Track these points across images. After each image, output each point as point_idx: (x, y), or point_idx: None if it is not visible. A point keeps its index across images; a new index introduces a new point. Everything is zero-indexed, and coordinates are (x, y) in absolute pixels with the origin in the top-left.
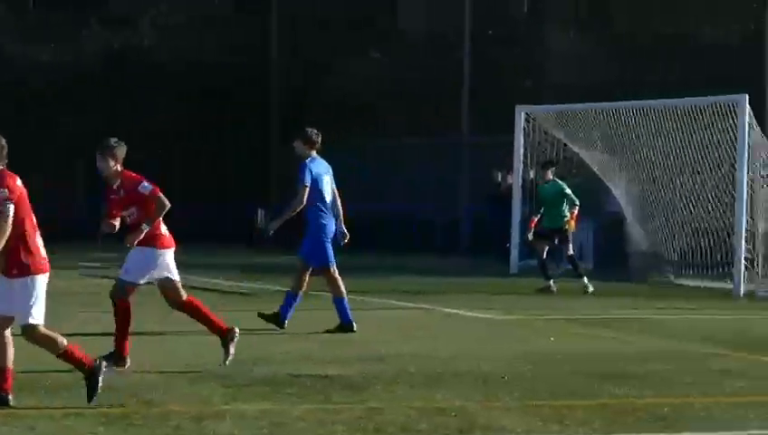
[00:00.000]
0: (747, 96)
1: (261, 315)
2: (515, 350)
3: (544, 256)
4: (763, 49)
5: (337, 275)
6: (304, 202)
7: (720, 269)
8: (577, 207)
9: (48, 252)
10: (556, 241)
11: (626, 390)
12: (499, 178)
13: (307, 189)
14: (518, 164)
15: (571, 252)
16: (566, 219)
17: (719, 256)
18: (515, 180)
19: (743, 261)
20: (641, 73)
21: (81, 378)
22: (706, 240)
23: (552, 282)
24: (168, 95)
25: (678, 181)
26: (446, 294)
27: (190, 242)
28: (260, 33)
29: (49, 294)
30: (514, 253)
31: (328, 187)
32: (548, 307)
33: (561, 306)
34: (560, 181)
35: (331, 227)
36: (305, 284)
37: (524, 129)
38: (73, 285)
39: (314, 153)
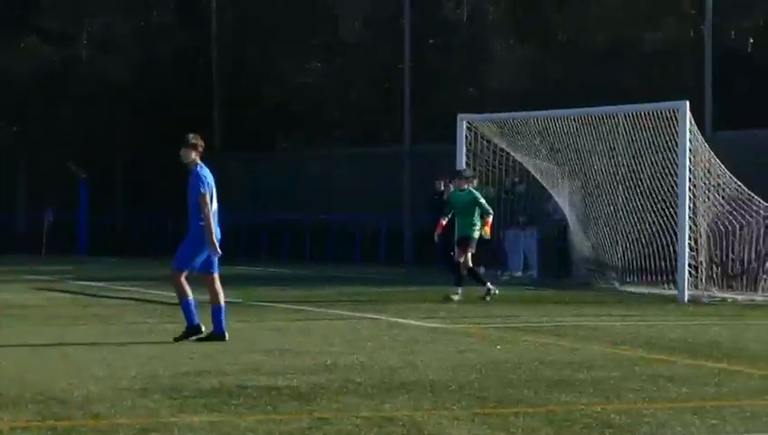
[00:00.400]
0: (688, 103)
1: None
2: (462, 358)
3: (463, 263)
4: (703, 56)
5: (218, 283)
6: (212, 206)
7: (664, 276)
8: (490, 216)
9: None
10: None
11: (573, 397)
12: (441, 187)
13: (207, 195)
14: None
15: (461, 260)
16: (476, 228)
17: (663, 263)
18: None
19: (686, 267)
20: (583, 80)
21: (28, 392)
22: (650, 247)
23: (490, 285)
24: (110, 106)
25: (621, 188)
26: (392, 303)
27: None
28: (202, 43)
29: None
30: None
31: (214, 194)
32: (493, 315)
33: (506, 314)
34: (474, 190)
35: (218, 234)
36: (189, 289)
37: (466, 137)
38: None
39: (199, 160)
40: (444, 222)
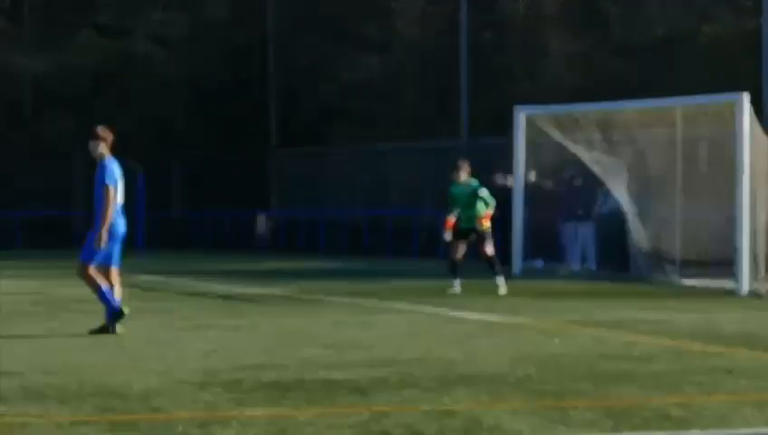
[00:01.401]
0: (747, 94)
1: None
2: (520, 352)
3: (458, 257)
4: (761, 48)
5: (118, 278)
6: (116, 200)
7: (723, 268)
8: (491, 208)
9: None
10: (473, 241)
11: (632, 390)
12: (498, 181)
13: (112, 188)
14: (518, 166)
15: (490, 252)
16: (478, 219)
17: (722, 256)
18: (516, 182)
19: (746, 259)
20: (640, 73)
21: (87, 386)
22: (709, 239)
23: (457, 282)
24: (167, 101)
25: (679, 180)
26: (449, 297)
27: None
28: (257, 39)
29: None
30: (515, 254)
31: (121, 188)
32: (551, 309)
33: (564, 308)
34: (474, 181)
35: (122, 228)
36: (102, 277)
37: (524, 130)
38: None
39: (109, 153)
40: (452, 219)
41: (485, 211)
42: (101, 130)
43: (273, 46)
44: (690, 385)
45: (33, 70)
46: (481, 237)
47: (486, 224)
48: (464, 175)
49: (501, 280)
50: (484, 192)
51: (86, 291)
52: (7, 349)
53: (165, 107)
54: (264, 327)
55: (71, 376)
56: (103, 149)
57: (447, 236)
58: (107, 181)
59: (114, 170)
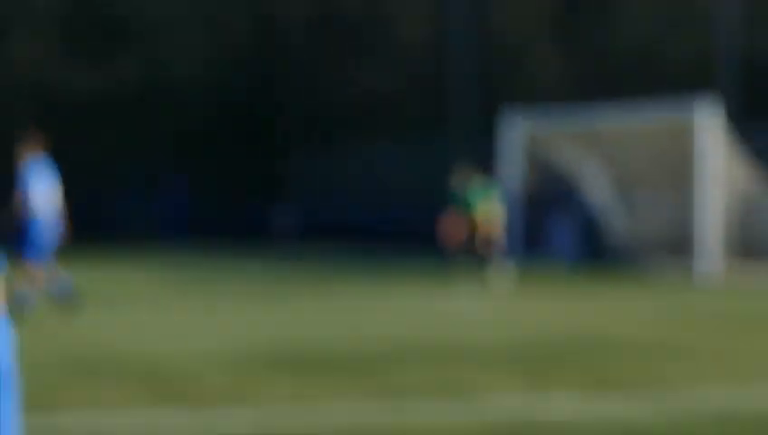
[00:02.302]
0: (709, 104)
1: None
2: (510, 330)
3: (479, 249)
4: (726, 62)
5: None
6: (25, 201)
7: (688, 255)
8: (501, 207)
9: None
10: (483, 234)
11: (611, 360)
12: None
13: (21, 192)
14: (508, 166)
15: (494, 244)
16: (490, 216)
17: (687, 244)
18: (506, 180)
19: (709, 248)
20: (614, 80)
21: (132, 363)
22: (675, 230)
23: (490, 268)
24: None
25: (652, 177)
26: (451, 285)
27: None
28: (277, 54)
29: None
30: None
31: (42, 188)
32: (539, 293)
33: (551, 292)
34: (485, 184)
35: (40, 228)
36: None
37: (513, 133)
38: None
39: (33, 155)
40: (464, 220)
41: (497, 210)
42: (25, 137)
43: (291, 61)
44: (661, 360)
45: (78, 86)
46: (489, 231)
47: (497, 221)
48: (474, 179)
49: (498, 269)
50: (495, 194)
51: (127, 276)
52: (63, 332)
53: (195, 115)
54: (286, 311)
55: (118, 353)
56: (26, 151)
57: (461, 236)
58: (23, 185)
59: (31, 172)
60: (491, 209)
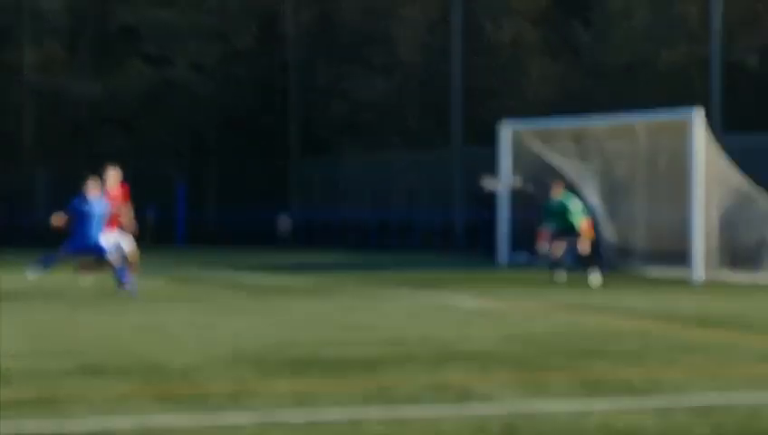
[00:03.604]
0: (700, 110)
1: None
2: (507, 332)
3: (558, 254)
4: (710, 71)
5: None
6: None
7: (680, 260)
8: (586, 216)
9: None
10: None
11: (603, 364)
12: (486, 186)
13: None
14: (504, 172)
15: (586, 252)
16: (580, 226)
17: (679, 248)
18: (502, 186)
19: (699, 252)
20: (605, 92)
21: (133, 363)
22: (667, 234)
23: (561, 271)
24: (203, 119)
25: (642, 185)
26: (448, 284)
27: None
28: (279, 64)
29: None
30: (501, 248)
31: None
32: (534, 295)
33: (545, 294)
34: (567, 197)
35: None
36: None
37: (509, 142)
38: None
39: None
40: (546, 231)
41: (584, 219)
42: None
43: (292, 70)
44: (652, 360)
45: (87, 94)
46: (578, 240)
47: (587, 229)
48: (557, 192)
49: (595, 275)
50: (576, 206)
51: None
52: (70, 332)
53: (200, 124)
54: (286, 313)
55: (118, 354)
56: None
57: (544, 246)
58: None
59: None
60: (582, 220)
